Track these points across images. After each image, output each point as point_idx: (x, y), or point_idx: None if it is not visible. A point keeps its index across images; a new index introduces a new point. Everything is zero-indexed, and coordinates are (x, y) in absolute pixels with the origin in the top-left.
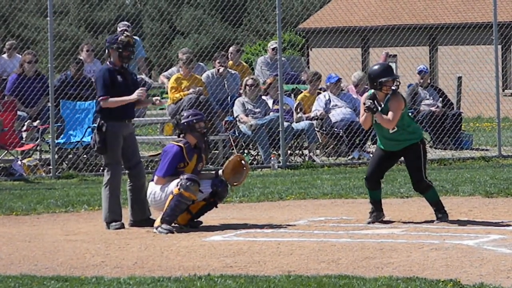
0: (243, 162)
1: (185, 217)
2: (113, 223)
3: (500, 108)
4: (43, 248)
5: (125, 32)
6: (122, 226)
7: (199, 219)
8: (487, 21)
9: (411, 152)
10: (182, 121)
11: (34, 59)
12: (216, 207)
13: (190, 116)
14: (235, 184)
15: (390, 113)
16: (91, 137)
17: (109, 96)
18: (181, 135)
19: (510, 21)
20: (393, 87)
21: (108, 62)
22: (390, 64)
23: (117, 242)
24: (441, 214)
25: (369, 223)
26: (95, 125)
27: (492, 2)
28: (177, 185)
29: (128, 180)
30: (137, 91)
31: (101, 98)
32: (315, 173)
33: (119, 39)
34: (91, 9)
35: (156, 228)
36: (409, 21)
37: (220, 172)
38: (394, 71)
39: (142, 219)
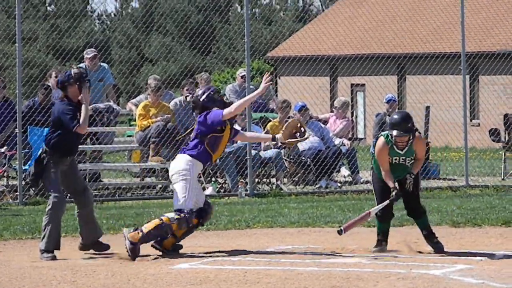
0: (300, 127)
1: (171, 241)
2: (45, 254)
3: (467, 138)
4: (9, 275)
5: None
6: (54, 258)
7: (179, 243)
8: (455, 51)
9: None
10: (202, 99)
11: (2, 85)
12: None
13: (206, 90)
14: (288, 143)
15: (418, 155)
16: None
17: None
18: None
19: (478, 51)
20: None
21: None
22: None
23: (84, 269)
24: (437, 242)
25: (374, 251)
26: None
27: (460, 32)
28: (174, 220)
29: (76, 207)
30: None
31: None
32: (283, 202)
33: None
34: (60, 36)
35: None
36: (377, 50)
37: (279, 135)
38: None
39: (93, 241)
